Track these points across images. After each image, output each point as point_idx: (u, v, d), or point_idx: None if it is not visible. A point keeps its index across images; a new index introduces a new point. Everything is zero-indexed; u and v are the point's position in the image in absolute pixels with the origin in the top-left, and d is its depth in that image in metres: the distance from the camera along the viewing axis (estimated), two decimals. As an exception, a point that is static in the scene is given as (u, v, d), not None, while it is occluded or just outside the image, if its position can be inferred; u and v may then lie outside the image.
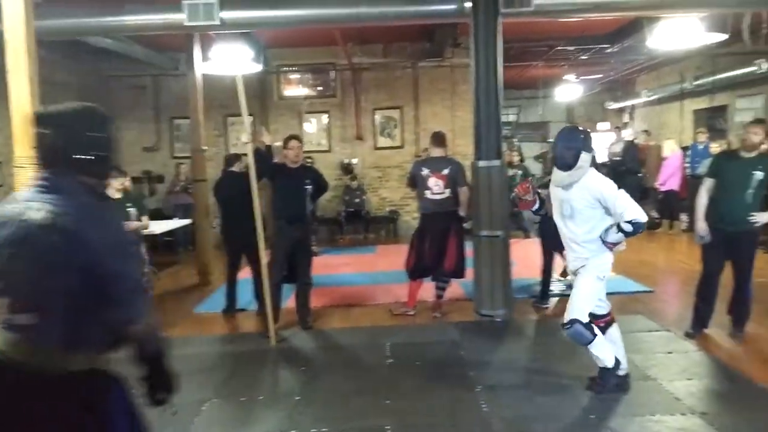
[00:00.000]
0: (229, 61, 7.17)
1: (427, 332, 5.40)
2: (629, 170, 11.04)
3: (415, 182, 5.77)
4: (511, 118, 16.67)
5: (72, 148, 1.76)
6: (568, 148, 3.61)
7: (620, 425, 3.44)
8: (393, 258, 8.83)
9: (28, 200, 1.69)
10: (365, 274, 7.93)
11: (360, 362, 4.71)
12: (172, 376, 1.98)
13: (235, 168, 6.34)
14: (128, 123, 11.78)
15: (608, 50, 11.06)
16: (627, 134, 14.08)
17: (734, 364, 4.23)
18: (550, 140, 12.70)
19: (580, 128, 3.90)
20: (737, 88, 10.70)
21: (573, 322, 3.60)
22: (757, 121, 4.77)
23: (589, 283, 3.69)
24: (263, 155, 5.33)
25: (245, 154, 5.25)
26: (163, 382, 1.96)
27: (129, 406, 1.88)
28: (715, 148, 9.27)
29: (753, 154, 4.60)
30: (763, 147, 4.71)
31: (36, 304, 1.66)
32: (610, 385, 3.76)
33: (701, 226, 4.78)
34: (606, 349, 3.71)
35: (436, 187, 5.61)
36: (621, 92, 15.49)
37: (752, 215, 4.55)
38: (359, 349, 5.02)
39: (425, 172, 5.66)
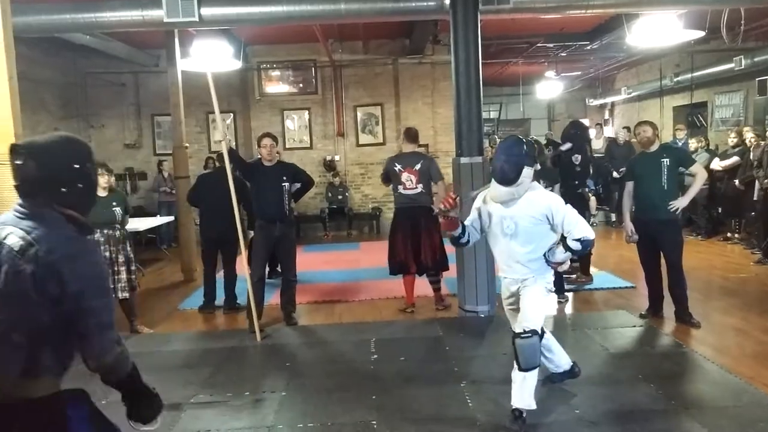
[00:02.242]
0: (209, 57, 7.12)
1: (411, 328, 5.42)
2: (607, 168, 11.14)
3: (389, 178, 5.82)
4: (493, 114, 16.78)
5: (54, 179, 1.72)
6: (509, 161, 3.24)
7: (603, 419, 3.47)
8: (376, 255, 8.82)
9: (4, 224, 1.67)
10: (348, 271, 7.93)
11: (345, 358, 4.72)
12: (151, 396, 1.93)
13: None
14: (109, 120, 11.66)
15: (588, 47, 11.19)
16: (608, 131, 14.24)
17: (718, 359, 4.29)
18: (533, 137, 12.84)
19: (524, 140, 3.53)
20: (716, 84, 10.87)
21: (533, 332, 3.28)
22: (644, 122, 5.30)
23: (541, 295, 3.43)
24: (235, 154, 5.34)
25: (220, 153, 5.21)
26: (142, 403, 1.91)
27: (91, 418, 1.83)
28: (694, 144, 9.44)
29: (656, 148, 5.09)
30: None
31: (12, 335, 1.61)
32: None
33: (629, 227, 5.22)
34: (563, 357, 3.79)
35: (408, 182, 5.66)
36: (601, 89, 15.67)
37: (671, 203, 4.92)
38: (344, 345, 5.03)
39: (398, 167, 5.72)
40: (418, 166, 5.65)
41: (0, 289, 1.61)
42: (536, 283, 3.42)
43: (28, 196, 1.72)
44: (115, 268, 5.17)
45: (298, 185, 5.66)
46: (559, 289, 6.06)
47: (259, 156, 5.52)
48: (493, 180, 3.36)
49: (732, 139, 8.83)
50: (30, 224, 1.66)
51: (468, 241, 3.61)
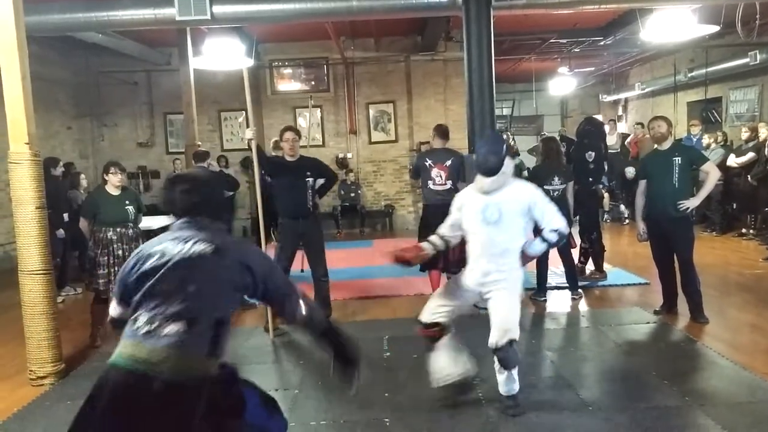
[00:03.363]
0: (221, 55, 7.15)
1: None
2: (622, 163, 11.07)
3: (419, 173, 5.81)
4: (506, 111, 16.68)
5: (211, 202, 2.22)
6: (493, 153, 3.41)
7: (617, 416, 3.46)
8: (389, 252, 8.85)
9: (189, 238, 2.09)
10: (362, 269, 7.94)
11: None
12: (351, 344, 2.42)
13: (205, 165, 6.33)
14: (121, 119, 11.76)
15: (601, 43, 11.09)
16: (622, 127, 14.12)
17: (732, 355, 4.25)
18: (544, 133, 12.78)
19: (503, 135, 3.86)
20: (731, 79, 10.74)
21: (513, 342, 3.35)
22: (658, 117, 5.25)
23: (516, 300, 3.47)
24: (262, 152, 5.27)
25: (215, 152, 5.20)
26: (345, 352, 2.41)
27: (254, 387, 2.27)
28: (709, 140, 9.35)
29: (668, 146, 5.08)
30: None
31: (193, 317, 1.97)
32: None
33: (641, 226, 5.23)
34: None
35: (438, 178, 5.64)
36: (615, 85, 15.52)
37: (681, 202, 4.89)
38: (357, 342, 5.02)
39: (429, 162, 5.71)
40: (448, 163, 5.63)
41: (198, 285, 2.00)
42: (510, 287, 3.46)
43: (192, 215, 2.16)
44: (129, 266, 5.21)
45: (321, 181, 5.55)
46: (573, 285, 6.04)
47: (279, 152, 5.45)
48: (477, 174, 3.50)
49: (744, 134, 8.74)
50: (207, 234, 2.11)
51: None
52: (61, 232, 6.79)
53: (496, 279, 3.44)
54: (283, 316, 2.33)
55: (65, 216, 6.92)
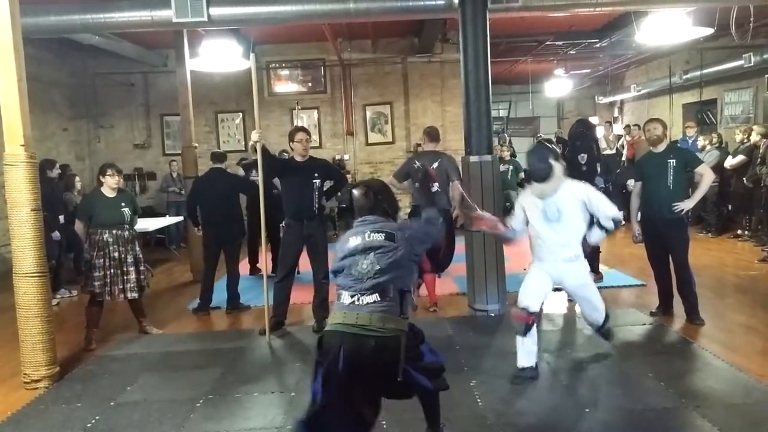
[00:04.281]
0: (218, 57, 7.14)
1: (421, 327, 5.36)
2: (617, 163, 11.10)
3: (408, 175, 5.81)
4: (502, 113, 16.72)
5: (387, 204, 2.91)
6: (542, 162, 3.84)
7: (613, 417, 3.46)
8: (385, 254, 8.85)
9: (375, 229, 2.76)
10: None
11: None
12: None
13: (223, 166, 6.33)
14: (118, 120, 11.74)
15: (597, 45, 11.13)
16: (618, 129, 14.15)
17: (728, 357, 4.26)
18: (540, 135, 12.81)
19: (550, 145, 4.33)
20: (726, 81, 10.78)
21: (608, 316, 4.19)
22: (654, 120, 5.30)
23: (593, 283, 4.15)
24: (268, 153, 5.23)
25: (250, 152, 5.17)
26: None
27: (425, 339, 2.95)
28: (704, 141, 9.38)
29: (663, 148, 5.11)
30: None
31: (384, 290, 2.64)
32: None
33: (636, 227, 5.27)
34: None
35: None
36: (610, 87, 15.57)
37: (676, 204, 4.93)
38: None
39: (417, 164, 5.72)
40: (435, 165, 5.64)
41: (389, 262, 2.65)
42: (583, 274, 4.04)
43: (368, 213, 2.84)
44: (124, 269, 5.19)
45: (330, 183, 5.52)
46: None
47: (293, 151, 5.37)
48: (533, 182, 3.97)
49: (738, 136, 8.79)
50: (380, 226, 2.78)
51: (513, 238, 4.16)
52: (56, 235, 6.77)
53: (566, 270, 3.93)
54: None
55: (61, 218, 6.90)
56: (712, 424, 3.29)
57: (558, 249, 3.90)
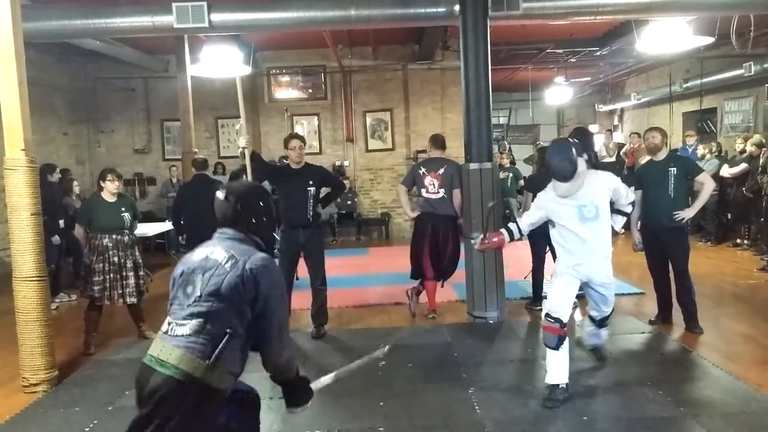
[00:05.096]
0: (219, 63, 7.15)
1: (420, 334, 5.40)
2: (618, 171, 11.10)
3: (414, 181, 5.83)
4: (503, 120, 16.75)
5: (248, 214, 2.28)
6: (565, 160, 3.65)
7: (612, 426, 3.45)
8: (385, 260, 8.85)
9: (209, 245, 2.24)
10: (358, 277, 7.93)
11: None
12: (307, 387, 2.41)
13: (207, 173, 6.33)
14: (118, 125, 11.76)
15: (597, 53, 11.15)
16: (618, 137, 14.17)
17: (726, 366, 4.25)
18: (540, 143, 12.82)
19: (569, 139, 4.06)
20: (726, 90, 10.80)
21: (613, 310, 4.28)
22: (653, 128, 5.31)
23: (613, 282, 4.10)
24: (259, 159, 5.23)
25: (242, 158, 5.14)
26: (298, 394, 2.39)
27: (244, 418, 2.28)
28: (704, 150, 9.39)
29: (663, 156, 5.12)
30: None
31: (208, 326, 2.06)
32: None
33: (636, 236, 5.26)
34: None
35: (431, 186, 5.66)
36: (611, 95, 15.60)
37: (676, 213, 4.94)
38: (352, 351, 5.00)
39: (422, 170, 5.75)
40: (441, 171, 5.65)
41: (211, 290, 2.08)
42: (610, 272, 3.97)
43: (229, 225, 2.28)
44: (123, 273, 5.19)
45: (327, 190, 5.49)
46: (536, 297, 6.03)
47: (283, 159, 5.39)
48: (554, 180, 3.79)
49: (739, 145, 8.82)
50: (230, 245, 2.20)
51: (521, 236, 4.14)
52: (56, 239, 6.77)
53: (599, 268, 3.87)
54: (263, 354, 2.19)
55: (61, 222, 6.90)
56: (711, 433, 3.29)
57: (597, 248, 3.78)
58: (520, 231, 4.06)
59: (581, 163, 3.68)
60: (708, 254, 8.34)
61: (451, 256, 5.73)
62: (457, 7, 5.72)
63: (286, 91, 12.05)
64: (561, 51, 11.26)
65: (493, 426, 3.50)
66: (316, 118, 11.88)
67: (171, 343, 2.08)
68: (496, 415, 3.63)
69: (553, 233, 3.93)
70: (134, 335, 5.48)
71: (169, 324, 2.15)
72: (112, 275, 5.15)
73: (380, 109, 11.85)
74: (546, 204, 3.89)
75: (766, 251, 7.67)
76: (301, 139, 5.39)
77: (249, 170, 5.04)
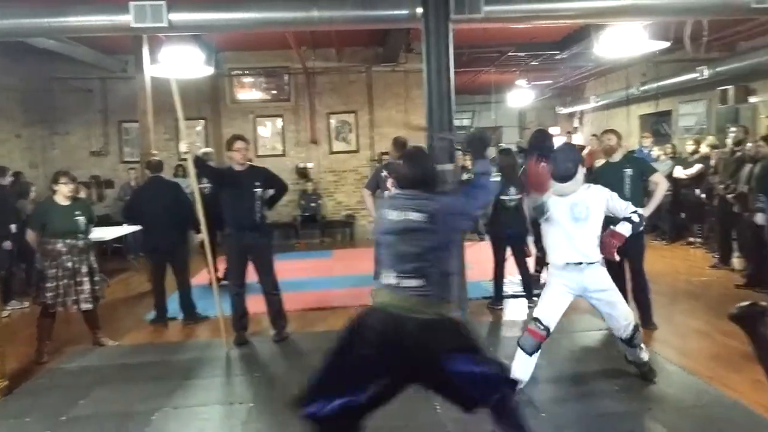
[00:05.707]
0: (180, 63, 7.05)
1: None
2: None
3: (378, 184, 5.85)
4: (466, 122, 16.91)
5: (428, 176, 2.77)
6: (569, 161, 3.89)
7: (569, 422, 3.51)
8: (349, 262, 8.83)
9: (415, 207, 2.62)
10: (321, 279, 7.89)
11: (315, 367, 4.66)
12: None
13: (163, 175, 6.23)
14: (74, 127, 11.48)
15: (557, 57, 11.35)
16: (578, 139, 14.44)
17: (680, 361, 4.38)
18: (502, 145, 12.98)
19: (576, 145, 4.22)
20: (680, 94, 11.11)
21: (638, 326, 3.96)
22: (609, 131, 5.50)
23: (615, 288, 3.98)
24: (203, 162, 5.15)
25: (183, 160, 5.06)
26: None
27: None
28: (659, 152, 9.64)
29: (619, 158, 5.26)
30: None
31: (426, 274, 2.58)
32: None
33: None
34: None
35: (393, 188, 5.67)
36: (571, 97, 15.91)
37: None
38: (315, 353, 4.93)
39: (384, 173, 5.80)
40: None
41: (428, 246, 2.58)
42: (603, 276, 3.94)
43: (412, 187, 2.72)
44: (78, 279, 5.05)
45: (271, 191, 5.41)
46: (529, 294, 6.12)
47: (230, 160, 5.26)
48: (553, 179, 3.91)
49: (690, 146, 9.10)
50: (423, 202, 2.64)
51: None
52: (7, 244, 6.56)
53: (590, 276, 3.86)
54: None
55: (12, 227, 6.68)
56: (664, 426, 3.38)
57: (582, 248, 3.85)
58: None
59: (580, 172, 3.91)
60: (663, 253, 8.55)
61: None
62: (419, 10, 5.74)
63: (249, 92, 11.93)
64: (522, 54, 11.42)
65: (453, 425, 3.52)
66: (279, 119, 11.79)
67: (407, 293, 2.61)
68: (456, 415, 3.62)
69: (544, 227, 4.03)
70: (89, 343, 5.35)
71: (395, 278, 2.65)
72: (65, 281, 5.01)
73: (344, 111, 11.83)
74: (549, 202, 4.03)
75: (718, 249, 7.91)
76: (246, 140, 5.30)
77: (192, 175, 4.97)
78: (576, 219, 3.86)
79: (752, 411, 3.49)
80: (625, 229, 3.89)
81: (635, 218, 3.90)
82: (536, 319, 3.81)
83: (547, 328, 3.78)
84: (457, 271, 2.63)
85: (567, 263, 3.86)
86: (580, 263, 3.83)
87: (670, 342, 4.84)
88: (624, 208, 3.93)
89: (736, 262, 7.07)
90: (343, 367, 2.62)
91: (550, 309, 3.85)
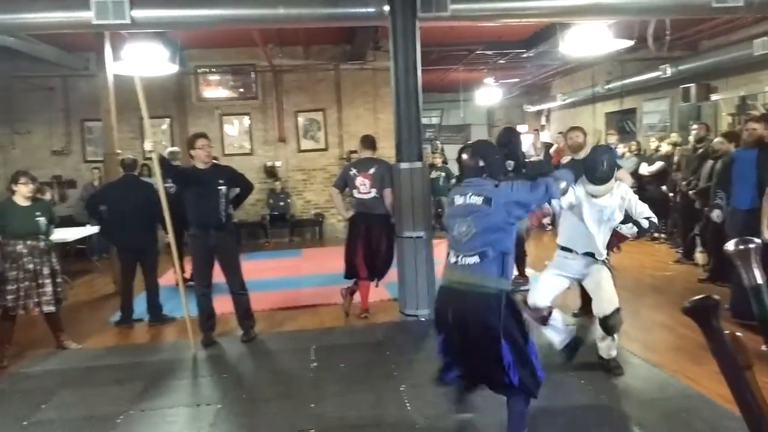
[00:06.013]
0: (143, 61, 6.91)
1: (352, 334, 5.40)
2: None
3: (346, 183, 5.81)
4: (434, 120, 16.98)
5: (493, 167, 3.10)
6: (610, 166, 3.95)
7: (534, 415, 3.53)
8: (318, 261, 8.79)
9: (476, 192, 2.97)
10: (290, 278, 7.84)
11: (284, 367, 4.65)
12: None
13: (135, 173, 6.13)
14: (36, 126, 11.19)
15: (525, 55, 11.46)
16: (545, 137, 14.62)
17: (645, 354, 4.46)
18: (471, 141, 13.06)
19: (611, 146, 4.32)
20: (644, 92, 11.34)
21: (618, 309, 4.00)
22: (575, 128, 5.68)
23: (610, 277, 4.09)
24: (166, 163, 5.08)
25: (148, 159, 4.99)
26: None
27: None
28: (624, 149, 9.82)
29: (585, 154, 5.25)
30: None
31: (483, 252, 2.85)
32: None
33: None
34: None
35: (362, 186, 5.67)
36: (538, 96, 16.10)
37: None
38: (283, 353, 4.96)
39: (353, 171, 5.75)
40: (372, 171, 5.66)
41: (485, 225, 2.88)
42: (604, 267, 4.07)
43: (475, 175, 3.07)
44: (40, 281, 4.93)
45: (236, 190, 5.36)
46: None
47: (193, 158, 5.16)
48: (586, 179, 4.00)
49: (653, 144, 9.30)
50: (484, 188, 2.97)
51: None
52: (-35, 246, 6.36)
53: (596, 259, 4.04)
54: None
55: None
56: (628, 419, 3.44)
57: (600, 246, 4.02)
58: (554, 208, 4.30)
59: (614, 177, 3.99)
60: (628, 248, 8.60)
61: (385, 255, 5.75)
62: (386, 8, 5.74)
63: (215, 90, 11.78)
64: (490, 52, 11.51)
65: (423, 420, 3.54)
66: (246, 117, 11.67)
67: (467, 270, 2.91)
68: (426, 411, 3.66)
69: (565, 214, 4.15)
70: (52, 346, 5.22)
71: (456, 256, 2.98)
72: (27, 283, 4.89)
73: (312, 109, 11.77)
74: (579, 193, 4.06)
75: (682, 245, 8.09)
76: (208, 138, 5.22)
77: (158, 174, 4.90)
78: (601, 221, 4.02)
79: (714, 402, 3.57)
80: (630, 231, 4.07)
81: (645, 224, 4.04)
82: (532, 308, 4.06)
83: (533, 306, 4.05)
84: (512, 251, 2.90)
85: (579, 252, 4.08)
86: (592, 255, 4.04)
87: (635, 336, 4.93)
88: (639, 211, 4.07)
89: (699, 257, 7.24)
90: (444, 341, 3.05)
91: (537, 290, 4.14)
